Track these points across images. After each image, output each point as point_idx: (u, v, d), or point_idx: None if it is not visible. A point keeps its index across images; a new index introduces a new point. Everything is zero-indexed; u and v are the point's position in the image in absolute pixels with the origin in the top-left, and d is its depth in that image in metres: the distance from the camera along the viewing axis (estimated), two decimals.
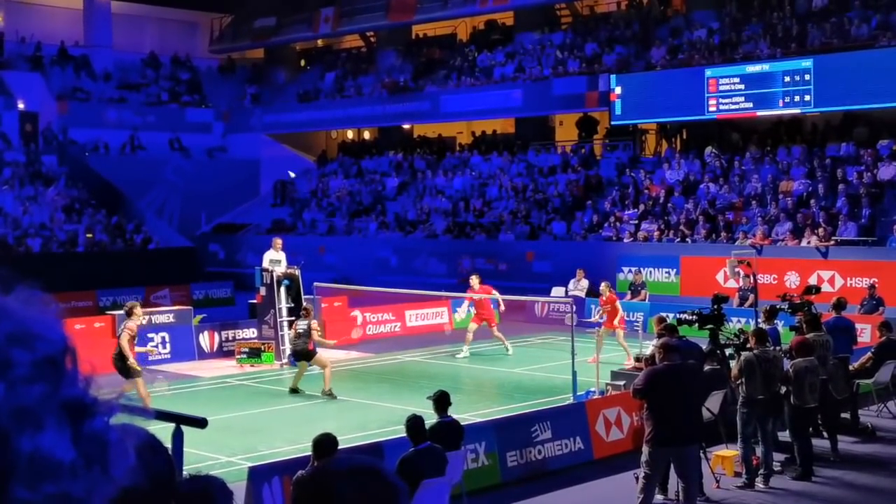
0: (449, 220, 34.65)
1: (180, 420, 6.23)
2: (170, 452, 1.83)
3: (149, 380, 16.96)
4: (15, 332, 1.08)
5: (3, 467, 1.03)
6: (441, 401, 10.50)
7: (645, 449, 10.26)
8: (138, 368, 15.93)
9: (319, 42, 48.80)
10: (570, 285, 26.66)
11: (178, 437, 6.07)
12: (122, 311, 22.78)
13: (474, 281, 22.22)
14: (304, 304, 19.54)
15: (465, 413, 14.88)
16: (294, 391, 17.80)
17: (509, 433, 12.61)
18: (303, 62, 49.61)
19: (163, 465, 1.77)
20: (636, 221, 30.05)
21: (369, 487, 1.66)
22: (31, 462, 1.04)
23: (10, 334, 1.08)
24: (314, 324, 18.14)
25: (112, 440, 1.13)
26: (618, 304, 20.94)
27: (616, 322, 20.41)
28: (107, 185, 38.28)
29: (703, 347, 12.86)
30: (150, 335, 21.50)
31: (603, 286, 21.11)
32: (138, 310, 16.64)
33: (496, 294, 22.34)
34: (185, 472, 6.39)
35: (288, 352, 20.72)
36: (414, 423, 9.57)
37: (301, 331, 17.85)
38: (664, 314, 14.43)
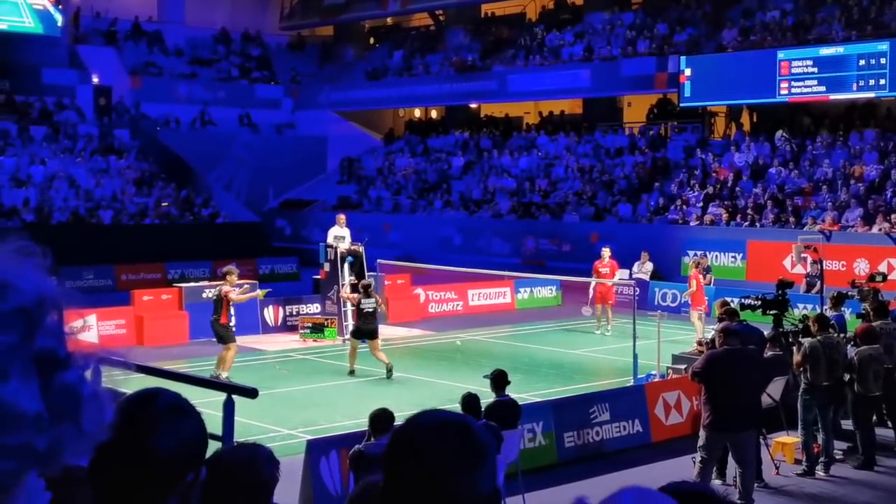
0: (514, 200, 34.59)
1: (231, 390, 6.33)
2: (201, 417, 1.85)
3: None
4: None
5: None
6: (498, 379, 10.48)
7: (702, 433, 10.20)
8: (231, 335, 16.85)
9: (388, 20, 48.88)
10: (635, 268, 26.44)
11: (229, 407, 6.17)
12: (193, 284, 23.19)
13: (605, 252, 22.18)
14: (365, 279, 19.26)
15: (523, 392, 14.91)
16: (352, 372, 17.51)
17: (567, 413, 12.60)
18: (371, 40, 49.76)
19: (192, 429, 1.78)
20: (702, 205, 29.73)
21: (457, 443, 1.66)
22: None
23: None
24: (380, 299, 17.74)
25: (85, 394, 1.09)
26: (697, 279, 20.90)
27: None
28: (177, 159, 38.81)
29: (766, 333, 12.70)
30: None
31: (691, 260, 21.60)
32: (233, 276, 17.35)
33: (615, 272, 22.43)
34: (235, 441, 6.48)
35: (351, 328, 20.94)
36: (469, 400, 9.60)
37: (370, 310, 17.40)
38: (727, 298, 14.32)
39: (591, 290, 22.66)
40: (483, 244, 33.25)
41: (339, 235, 22.06)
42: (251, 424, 12.40)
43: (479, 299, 26.04)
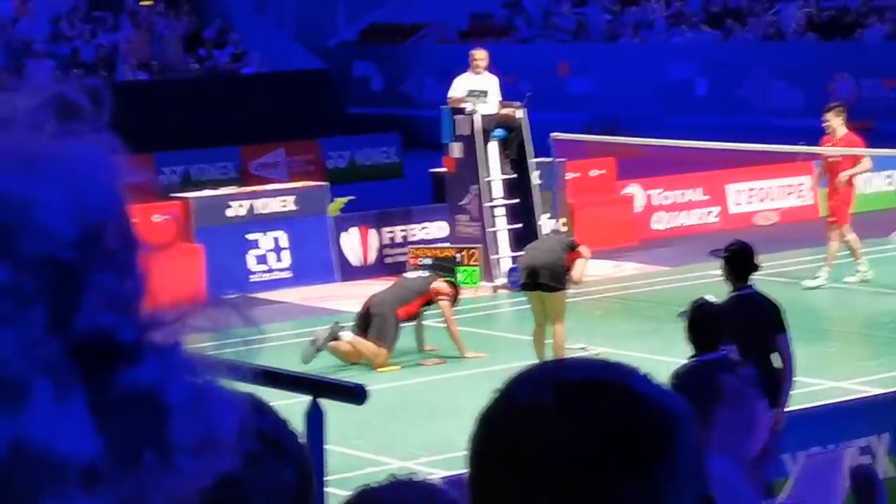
0: (809, 8, 34.33)
1: (323, 390, 6.43)
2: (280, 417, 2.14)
3: None
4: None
5: None
6: (736, 259, 11.76)
7: None
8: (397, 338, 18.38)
9: None
10: None
11: (315, 416, 6.28)
12: (209, 193, 23.70)
13: (835, 121, 21.86)
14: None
15: (847, 380, 14.97)
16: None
17: None
18: None
19: (292, 480, 2.07)
20: None
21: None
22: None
23: None
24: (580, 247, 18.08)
25: (173, 402, 1.01)
26: None
27: None
28: None
29: None
30: (249, 235, 22.24)
31: None
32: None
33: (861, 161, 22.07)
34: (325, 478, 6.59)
35: (507, 267, 21.11)
36: (697, 311, 10.29)
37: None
38: None
39: None
40: (752, 93, 33.01)
41: (477, 90, 22.14)
42: (330, 451, 12.61)
43: (752, 201, 25.82)
